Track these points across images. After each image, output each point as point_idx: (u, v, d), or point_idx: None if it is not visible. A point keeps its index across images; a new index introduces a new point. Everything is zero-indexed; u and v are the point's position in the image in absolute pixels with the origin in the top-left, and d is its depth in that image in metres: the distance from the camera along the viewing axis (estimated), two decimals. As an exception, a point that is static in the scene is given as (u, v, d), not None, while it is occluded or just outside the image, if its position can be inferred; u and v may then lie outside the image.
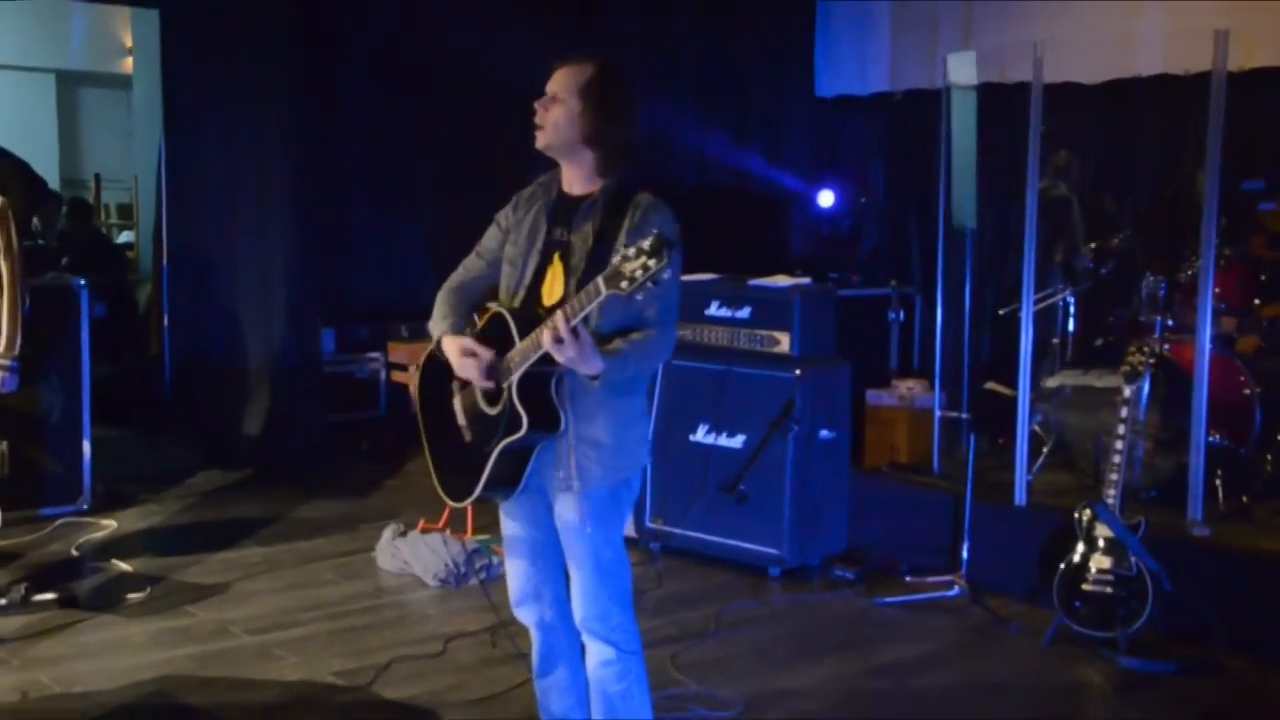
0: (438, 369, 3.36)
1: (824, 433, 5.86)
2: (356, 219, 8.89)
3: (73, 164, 13.79)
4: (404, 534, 5.90)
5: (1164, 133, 7.69)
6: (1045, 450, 6.31)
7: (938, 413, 6.45)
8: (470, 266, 3.45)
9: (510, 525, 3.45)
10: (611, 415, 3.21)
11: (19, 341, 5.13)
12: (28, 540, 6.02)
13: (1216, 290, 5.48)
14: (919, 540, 5.94)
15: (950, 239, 6.79)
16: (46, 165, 13.02)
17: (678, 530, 6.03)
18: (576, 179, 3.26)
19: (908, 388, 7.13)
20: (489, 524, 5.90)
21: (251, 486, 7.27)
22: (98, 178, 12.01)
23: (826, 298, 6.09)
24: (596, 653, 3.33)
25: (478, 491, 3.25)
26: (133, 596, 5.29)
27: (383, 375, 9.07)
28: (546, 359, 3.02)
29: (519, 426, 3.10)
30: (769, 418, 5.73)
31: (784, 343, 5.86)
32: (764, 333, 5.90)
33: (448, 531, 5.95)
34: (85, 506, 6.51)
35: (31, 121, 13.01)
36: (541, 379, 3.13)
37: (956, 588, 5.48)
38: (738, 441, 5.85)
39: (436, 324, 3.35)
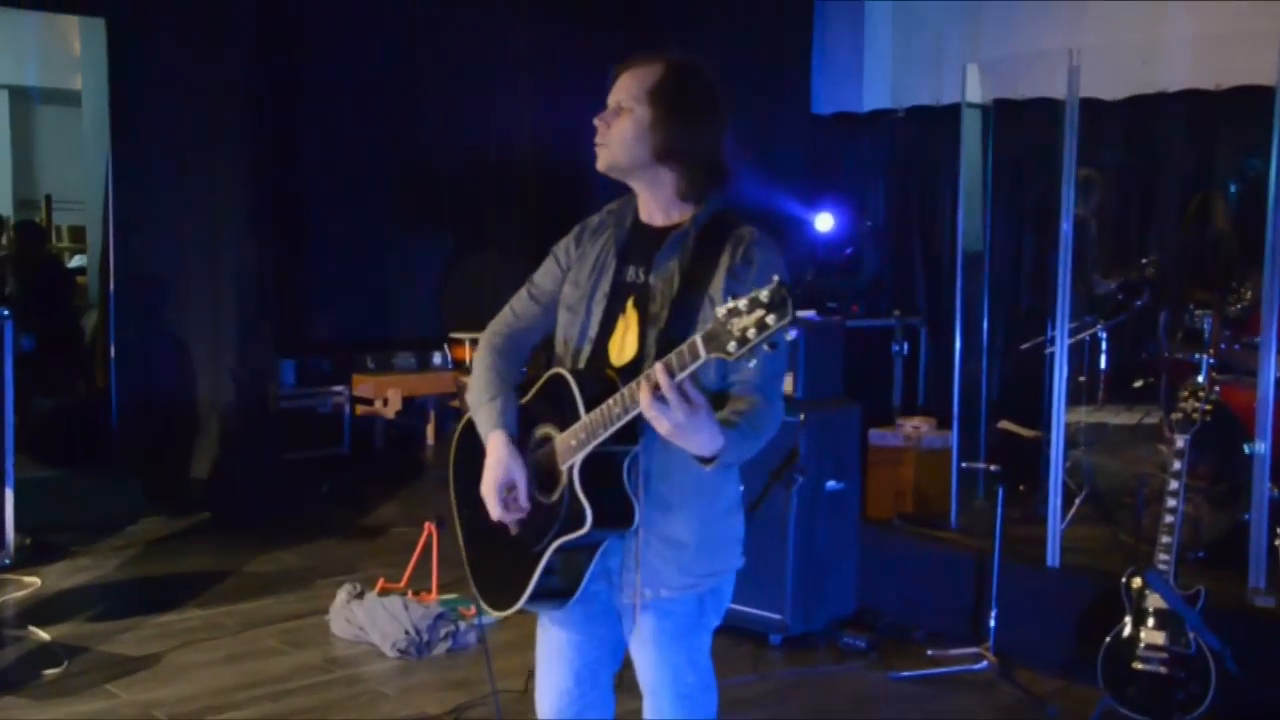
0: (476, 442, 2.67)
1: (831, 483, 5.25)
2: (318, 244, 8.34)
3: (28, 184, 13.13)
4: (360, 595, 5.26)
5: (1193, 151, 7.16)
6: (1077, 502, 5.72)
7: (956, 460, 5.85)
8: (521, 311, 2.73)
9: (553, 631, 2.74)
10: (698, 505, 2.53)
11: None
12: (-63, 603, 5.36)
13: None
14: (938, 603, 5.34)
15: (964, 265, 6.23)
16: (-1, 185, 12.45)
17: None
18: (656, 206, 2.59)
19: (914, 426, 6.58)
20: (455, 582, 5.32)
21: (198, 535, 6.64)
22: (48, 199, 11.39)
23: (833, 332, 5.49)
24: None
25: (523, 601, 2.56)
26: (48, 673, 4.64)
27: (347, 410, 8.50)
28: (621, 435, 2.37)
29: (581, 522, 2.43)
30: (769, 467, 5.11)
31: (786, 383, 5.25)
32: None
33: (409, 593, 5.32)
34: (7, 561, 5.87)
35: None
36: (612, 461, 2.45)
37: (984, 661, 4.87)
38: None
39: (479, 401, 2.64)
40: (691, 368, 2.19)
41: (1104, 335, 6.24)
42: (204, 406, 7.26)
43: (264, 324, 7.34)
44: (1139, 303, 6.19)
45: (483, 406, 2.63)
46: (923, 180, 8.39)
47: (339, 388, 8.45)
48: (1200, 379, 5.08)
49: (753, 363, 2.15)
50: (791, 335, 2.12)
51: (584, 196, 5.24)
